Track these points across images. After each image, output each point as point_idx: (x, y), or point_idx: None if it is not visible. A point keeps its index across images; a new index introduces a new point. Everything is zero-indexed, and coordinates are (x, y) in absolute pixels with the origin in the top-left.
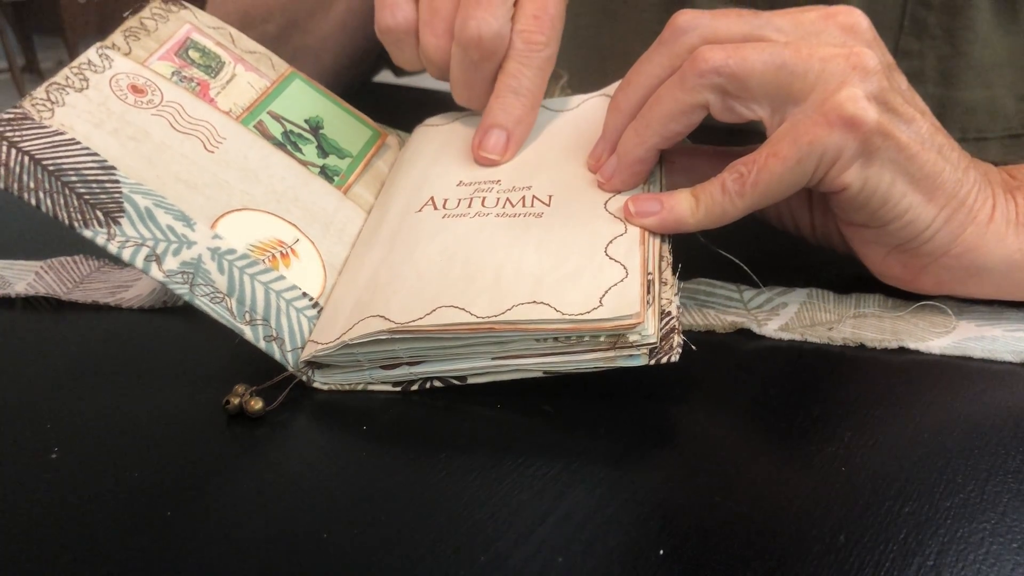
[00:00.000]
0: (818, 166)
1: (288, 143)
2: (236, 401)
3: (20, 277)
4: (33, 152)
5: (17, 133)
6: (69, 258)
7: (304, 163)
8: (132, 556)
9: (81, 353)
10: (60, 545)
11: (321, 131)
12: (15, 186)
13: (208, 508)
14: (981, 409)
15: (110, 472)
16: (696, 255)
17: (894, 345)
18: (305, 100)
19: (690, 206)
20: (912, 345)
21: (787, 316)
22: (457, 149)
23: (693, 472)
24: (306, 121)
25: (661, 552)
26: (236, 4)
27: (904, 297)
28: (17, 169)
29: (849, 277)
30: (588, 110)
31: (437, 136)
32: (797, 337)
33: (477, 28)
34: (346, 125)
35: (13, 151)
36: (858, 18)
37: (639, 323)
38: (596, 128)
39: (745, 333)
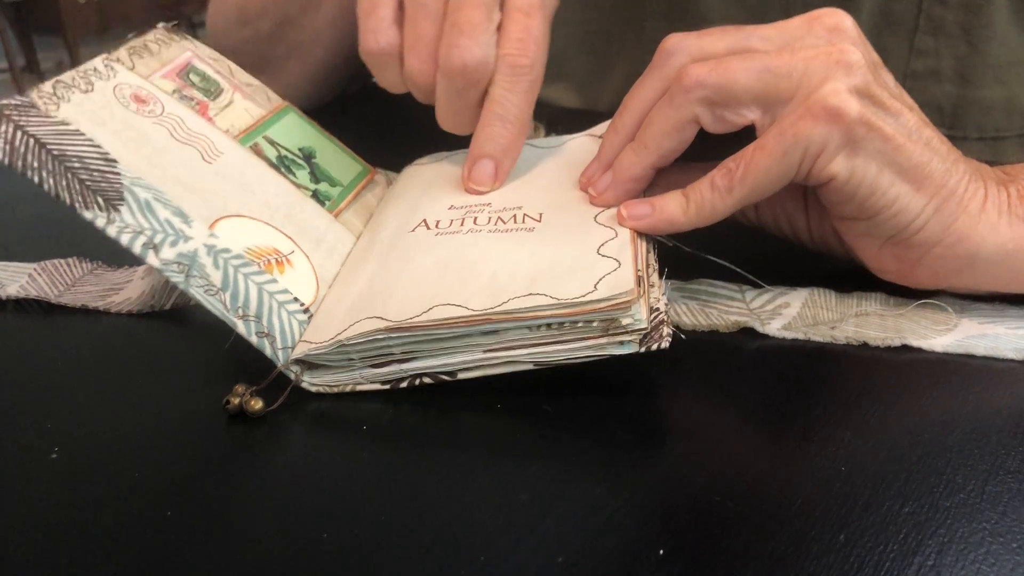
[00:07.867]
0: (804, 158)
1: (282, 166)
2: (236, 401)
3: (14, 279)
4: (39, 136)
5: (24, 118)
6: (63, 260)
7: (297, 186)
8: (132, 556)
9: (81, 353)
10: (60, 546)
11: (314, 160)
12: (19, 164)
13: (208, 508)
14: (981, 408)
15: (110, 472)
16: (695, 255)
17: (897, 343)
18: (299, 132)
19: (681, 205)
20: (915, 343)
21: (789, 316)
22: (447, 180)
23: (693, 472)
24: (300, 150)
25: (661, 552)
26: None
27: (906, 296)
28: (22, 148)
29: (850, 277)
30: (575, 147)
31: (427, 171)
32: (800, 336)
33: (461, 57)
34: (337, 158)
35: (19, 132)
36: (842, 18)
37: (633, 300)
38: (583, 161)
39: (749, 333)
